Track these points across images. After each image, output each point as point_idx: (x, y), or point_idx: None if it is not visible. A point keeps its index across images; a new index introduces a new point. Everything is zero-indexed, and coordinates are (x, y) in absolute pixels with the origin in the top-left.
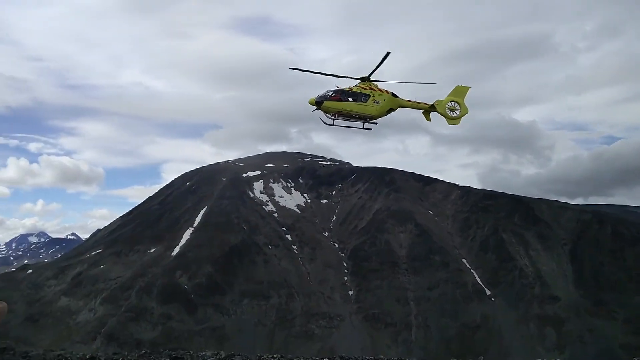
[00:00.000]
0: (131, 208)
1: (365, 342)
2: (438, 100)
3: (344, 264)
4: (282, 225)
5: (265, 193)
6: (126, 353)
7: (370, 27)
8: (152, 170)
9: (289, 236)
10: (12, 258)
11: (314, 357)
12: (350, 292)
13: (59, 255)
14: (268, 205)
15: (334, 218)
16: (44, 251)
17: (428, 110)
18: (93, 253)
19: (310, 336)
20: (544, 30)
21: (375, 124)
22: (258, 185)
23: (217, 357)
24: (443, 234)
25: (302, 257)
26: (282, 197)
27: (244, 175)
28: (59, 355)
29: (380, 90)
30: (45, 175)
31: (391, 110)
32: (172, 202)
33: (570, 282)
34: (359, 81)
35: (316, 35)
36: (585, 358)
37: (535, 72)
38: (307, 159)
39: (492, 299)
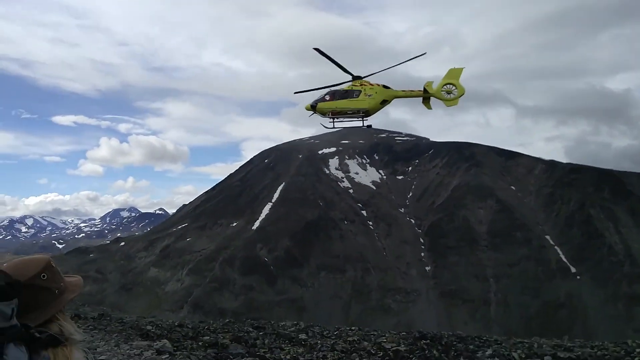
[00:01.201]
0: (214, 184)
1: (442, 318)
2: (428, 83)
3: (421, 240)
4: (358, 201)
5: (341, 169)
6: (211, 321)
7: None
8: (233, 148)
9: (364, 212)
10: (106, 231)
11: (391, 331)
12: (427, 268)
13: (149, 229)
14: (343, 182)
15: (410, 194)
16: (134, 225)
17: (425, 96)
18: (179, 227)
19: (386, 310)
20: None
21: (369, 115)
22: (333, 162)
23: (297, 327)
24: (526, 210)
25: (377, 233)
26: (357, 173)
27: (319, 152)
28: (150, 322)
29: (371, 84)
30: (134, 154)
31: (385, 102)
32: (251, 179)
33: None
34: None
35: (394, 7)
36: None
37: (630, 36)
38: (383, 135)
39: (578, 277)
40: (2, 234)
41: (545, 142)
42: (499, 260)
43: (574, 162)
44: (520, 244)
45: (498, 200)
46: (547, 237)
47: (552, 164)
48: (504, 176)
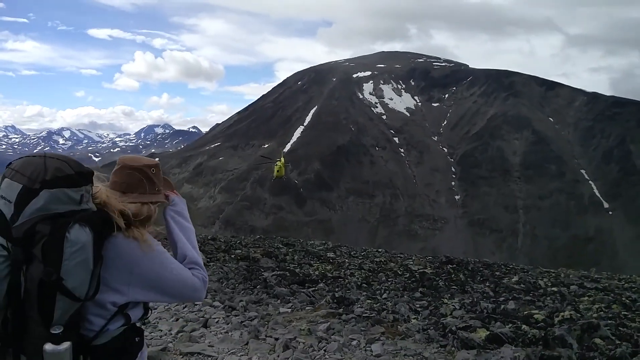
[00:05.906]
0: (247, 105)
1: (469, 246)
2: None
3: (452, 169)
4: (390, 127)
5: (375, 94)
6: (242, 237)
7: None
8: (267, 69)
9: (396, 139)
10: (141, 147)
11: (417, 255)
12: (456, 197)
13: (182, 147)
14: (377, 107)
15: (445, 122)
16: (168, 142)
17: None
18: (212, 146)
19: (412, 235)
20: None
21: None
22: (368, 87)
23: (325, 246)
24: (562, 143)
25: (409, 160)
26: (391, 99)
27: (354, 75)
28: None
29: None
30: (169, 70)
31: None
32: (284, 101)
33: None
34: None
35: None
36: None
37: None
38: (421, 60)
39: (610, 213)
40: (40, 145)
41: (590, 73)
42: (530, 192)
43: (619, 95)
44: (553, 177)
45: (534, 131)
46: (582, 171)
47: (595, 97)
48: (542, 107)
